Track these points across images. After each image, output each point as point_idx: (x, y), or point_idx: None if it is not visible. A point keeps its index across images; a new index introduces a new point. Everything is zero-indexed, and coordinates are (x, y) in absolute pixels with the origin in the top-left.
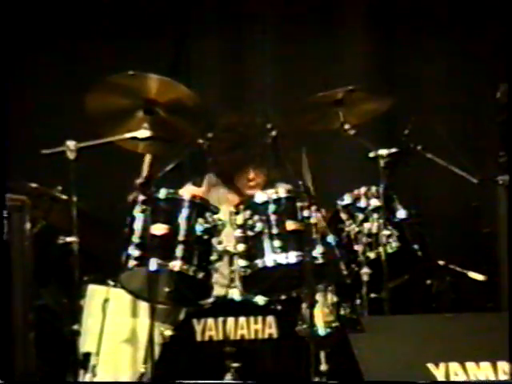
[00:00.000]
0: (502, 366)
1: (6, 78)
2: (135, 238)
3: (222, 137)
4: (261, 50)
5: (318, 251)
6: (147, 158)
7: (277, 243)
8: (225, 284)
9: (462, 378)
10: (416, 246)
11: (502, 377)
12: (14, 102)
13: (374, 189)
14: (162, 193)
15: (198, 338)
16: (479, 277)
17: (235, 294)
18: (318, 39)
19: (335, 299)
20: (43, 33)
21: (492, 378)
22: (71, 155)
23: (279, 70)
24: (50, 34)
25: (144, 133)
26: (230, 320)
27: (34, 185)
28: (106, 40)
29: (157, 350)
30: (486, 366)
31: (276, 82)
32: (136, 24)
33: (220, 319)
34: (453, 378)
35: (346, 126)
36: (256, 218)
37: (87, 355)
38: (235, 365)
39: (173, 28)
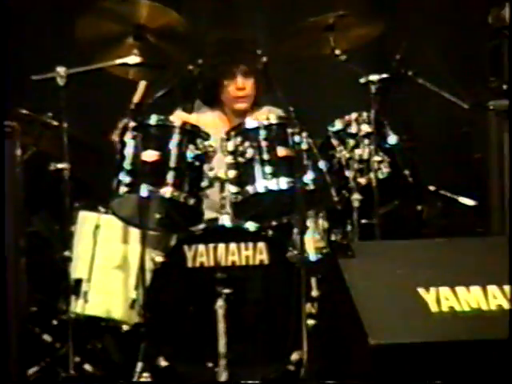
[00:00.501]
0: (492, 290)
1: None
2: (126, 165)
3: (211, 53)
4: None
5: (309, 177)
6: (142, 84)
7: (268, 169)
8: (216, 210)
9: (452, 302)
10: (407, 172)
11: (492, 301)
12: (3, 26)
13: (365, 115)
14: (153, 119)
15: (189, 264)
16: (470, 202)
17: (226, 220)
18: None
19: (326, 225)
20: None
21: (482, 302)
22: (61, 81)
23: None
24: None
25: (134, 59)
26: (221, 246)
27: (24, 111)
28: None
29: (148, 276)
30: (476, 290)
31: (267, 7)
32: None
33: (211, 245)
34: (443, 303)
35: (337, 52)
36: (247, 144)
37: (78, 281)
38: (226, 291)
39: None
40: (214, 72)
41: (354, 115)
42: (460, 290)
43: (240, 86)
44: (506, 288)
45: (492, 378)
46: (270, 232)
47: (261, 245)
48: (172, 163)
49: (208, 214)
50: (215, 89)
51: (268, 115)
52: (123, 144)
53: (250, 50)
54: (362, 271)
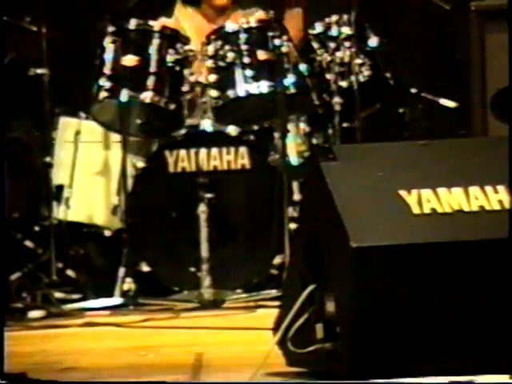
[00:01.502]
0: (474, 191)
1: None
2: (106, 70)
3: None
4: None
5: (289, 81)
6: None
7: (248, 73)
8: (197, 115)
9: (434, 204)
10: (388, 75)
11: (474, 202)
12: None
13: (345, 17)
14: (132, 23)
15: (171, 169)
16: (451, 104)
17: (207, 124)
18: None
19: (307, 129)
20: None
21: (464, 204)
22: None
23: None
24: None
25: None
26: (203, 151)
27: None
28: None
29: (130, 182)
30: (457, 191)
31: None
32: None
33: (192, 150)
34: (425, 205)
35: None
36: (227, 48)
37: (60, 187)
38: (208, 195)
39: None
40: None
41: (334, 17)
42: (441, 191)
43: None
44: (488, 188)
45: (471, 278)
46: (252, 136)
47: (242, 149)
48: (152, 68)
49: (189, 121)
50: None
51: (248, 18)
52: (102, 49)
53: None
54: (343, 174)
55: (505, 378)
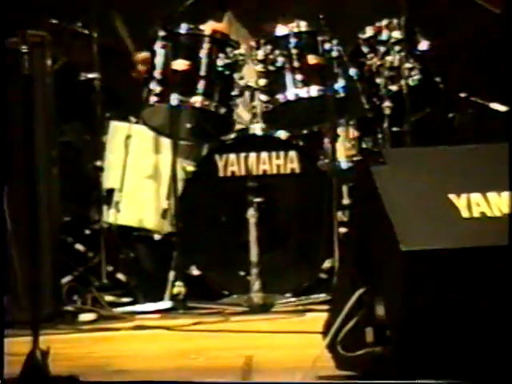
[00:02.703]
0: None
1: None
2: (156, 74)
3: None
4: None
5: (339, 85)
6: None
7: (298, 77)
8: (247, 119)
9: (483, 208)
10: (438, 79)
11: None
12: None
13: (395, 21)
14: (183, 28)
15: (221, 173)
16: (502, 108)
17: (257, 129)
18: None
19: (357, 133)
20: None
21: None
22: None
23: None
24: None
25: None
26: (252, 155)
27: (53, 21)
28: None
29: (180, 185)
30: (507, 195)
31: None
32: None
33: (242, 154)
34: (475, 209)
35: None
36: (277, 52)
37: (110, 191)
38: (257, 200)
39: None
40: None
41: (384, 22)
42: (491, 195)
43: None
44: None
45: None
46: (301, 141)
47: (292, 153)
48: (202, 72)
49: (239, 125)
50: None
51: (298, 23)
52: (153, 53)
53: None
54: (393, 178)
55: None
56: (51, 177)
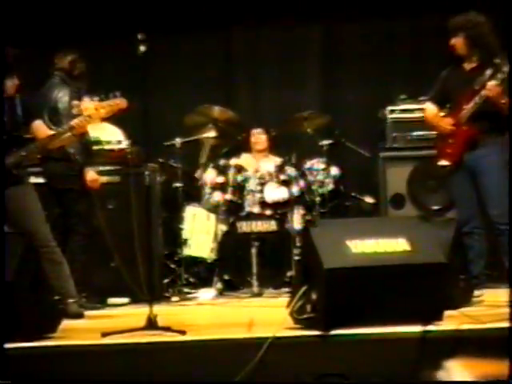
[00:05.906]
0: (383, 241)
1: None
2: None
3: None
4: None
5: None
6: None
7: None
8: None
9: (363, 248)
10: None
11: (382, 247)
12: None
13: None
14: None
15: (238, 230)
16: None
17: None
18: None
19: (303, 212)
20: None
21: (377, 248)
22: (178, 145)
23: None
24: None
25: (212, 133)
26: (254, 222)
27: (161, 160)
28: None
29: (219, 237)
30: (372, 241)
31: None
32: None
33: (249, 222)
34: (359, 247)
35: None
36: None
37: (186, 240)
38: (256, 243)
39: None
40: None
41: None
42: (382, 241)
43: (257, 141)
44: (392, 240)
45: (384, 282)
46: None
47: (273, 222)
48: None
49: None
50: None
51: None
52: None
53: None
54: (321, 233)
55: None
56: (155, 230)
